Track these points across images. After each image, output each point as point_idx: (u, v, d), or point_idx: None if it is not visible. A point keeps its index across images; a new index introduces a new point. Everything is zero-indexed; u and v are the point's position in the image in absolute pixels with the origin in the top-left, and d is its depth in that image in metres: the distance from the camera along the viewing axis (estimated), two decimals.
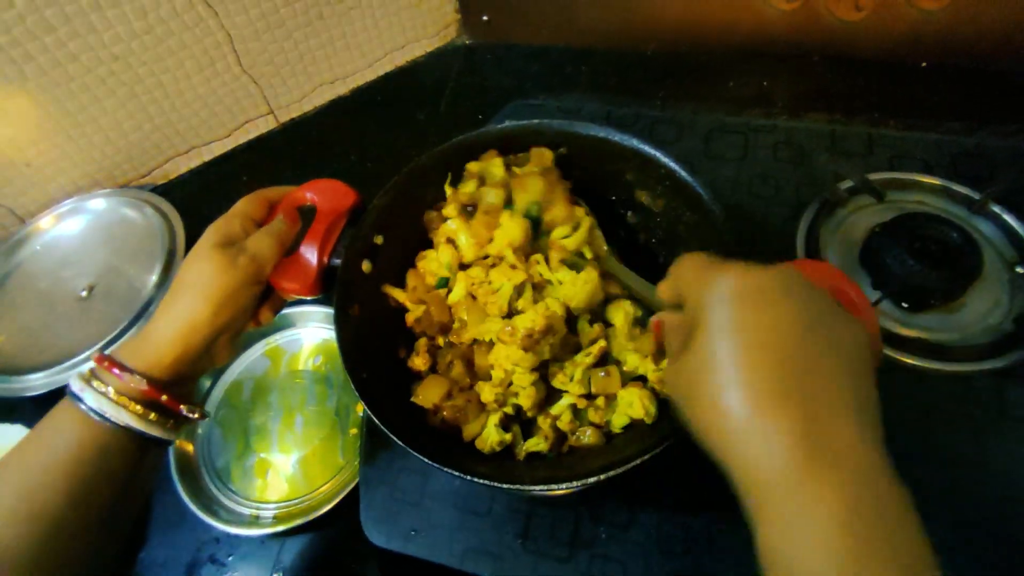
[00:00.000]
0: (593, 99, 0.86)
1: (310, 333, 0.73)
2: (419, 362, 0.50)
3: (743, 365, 0.28)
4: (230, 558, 0.59)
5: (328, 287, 0.49)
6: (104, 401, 0.39)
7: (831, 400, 0.27)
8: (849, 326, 0.30)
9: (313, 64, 0.90)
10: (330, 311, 0.70)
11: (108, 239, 0.80)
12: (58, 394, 0.67)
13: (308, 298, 0.50)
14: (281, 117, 0.93)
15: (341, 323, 0.46)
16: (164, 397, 0.41)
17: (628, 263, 0.51)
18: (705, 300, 0.31)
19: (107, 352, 0.42)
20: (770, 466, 0.26)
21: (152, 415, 0.41)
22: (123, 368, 0.40)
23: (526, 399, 0.46)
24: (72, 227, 0.82)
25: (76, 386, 0.40)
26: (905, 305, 0.58)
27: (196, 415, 0.44)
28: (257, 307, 0.49)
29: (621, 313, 0.49)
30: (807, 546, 0.25)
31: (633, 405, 0.44)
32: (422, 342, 0.51)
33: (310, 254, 0.48)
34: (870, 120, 0.74)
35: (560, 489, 0.43)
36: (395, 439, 0.40)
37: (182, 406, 0.43)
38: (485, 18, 0.95)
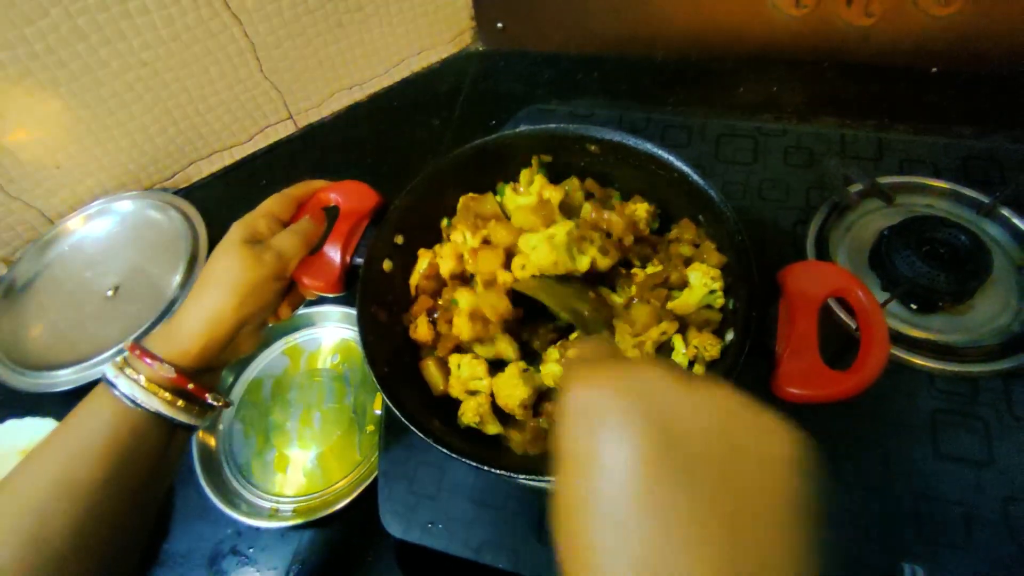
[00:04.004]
0: (605, 105, 0.87)
1: (328, 333, 0.74)
2: (423, 332, 0.52)
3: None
4: (251, 550, 0.61)
5: (350, 285, 0.51)
6: (136, 388, 0.41)
7: None
8: (765, 445, 0.22)
9: (332, 70, 0.92)
10: (348, 311, 0.73)
11: (134, 240, 0.82)
12: (85, 389, 0.69)
13: (329, 295, 0.51)
14: (300, 122, 0.96)
15: (363, 320, 0.47)
16: (191, 385, 0.43)
17: None
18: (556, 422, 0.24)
19: (138, 341, 0.44)
20: None
21: (180, 402, 0.43)
22: (153, 357, 0.42)
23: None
24: (99, 228, 0.84)
25: (110, 373, 0.42)
26: (914, 307, 0.58)
27: (220, 403, 0.46)
28: (278, 302, 0.51)
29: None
30: None
31: None
32: (421, 306, 0.53)
33: (333, 253, 0.50)
34: (880, 125, 0.75)
35: None
36: (415, 431, 0.41)
37: (208, 394, 0.45)
38: (499, 25, 0.97)
